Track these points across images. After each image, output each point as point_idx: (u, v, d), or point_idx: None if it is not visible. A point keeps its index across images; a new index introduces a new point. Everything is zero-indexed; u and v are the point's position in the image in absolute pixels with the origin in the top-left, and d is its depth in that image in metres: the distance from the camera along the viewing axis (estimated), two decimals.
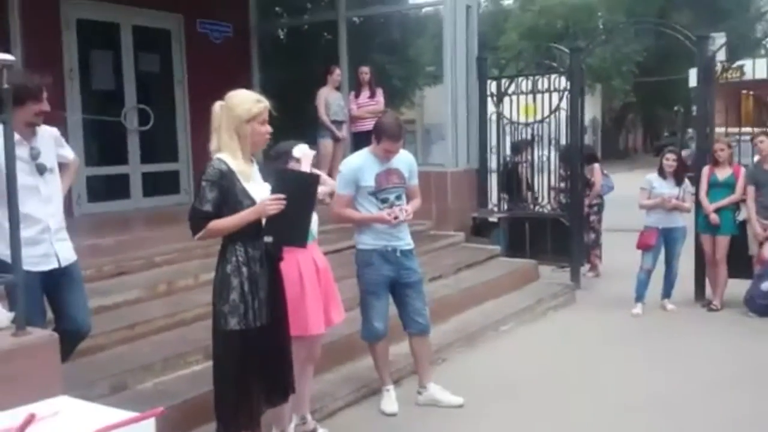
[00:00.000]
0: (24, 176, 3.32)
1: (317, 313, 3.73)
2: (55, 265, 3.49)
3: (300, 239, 3.31)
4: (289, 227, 3.16)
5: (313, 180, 3.33)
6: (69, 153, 3.82)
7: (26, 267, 3.23)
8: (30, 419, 1.73)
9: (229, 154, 3.13)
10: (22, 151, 3.34)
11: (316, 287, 3.74)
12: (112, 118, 7.93)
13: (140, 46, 8.23)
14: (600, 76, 28.26)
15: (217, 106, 3.18)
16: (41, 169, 3.45)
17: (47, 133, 3.58)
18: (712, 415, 4.29)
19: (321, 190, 3.73)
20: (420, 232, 7.61)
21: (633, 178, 15.81)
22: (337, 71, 8.02)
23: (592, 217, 8.24)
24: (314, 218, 3.75)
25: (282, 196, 3.07)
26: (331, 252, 5.94)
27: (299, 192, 3.15)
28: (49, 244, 3.47)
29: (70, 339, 3.57)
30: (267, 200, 3.08)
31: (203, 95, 8.84)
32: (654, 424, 4.23)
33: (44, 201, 3.46)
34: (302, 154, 3.66)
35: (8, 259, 3.00)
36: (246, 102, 3.16)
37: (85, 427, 1.84)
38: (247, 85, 9.15)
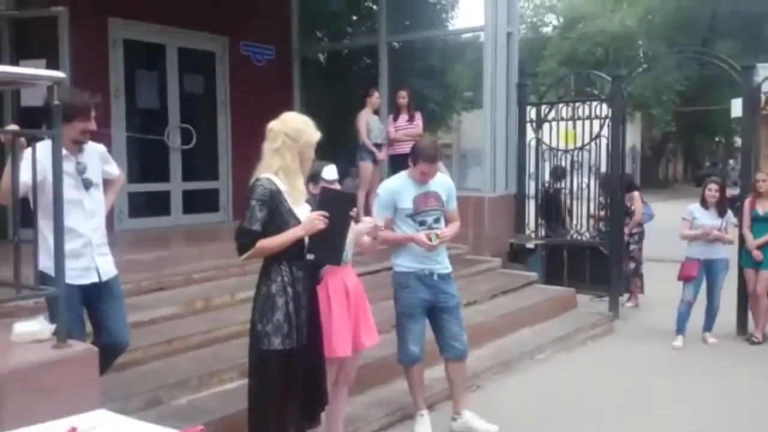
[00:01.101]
0: (69, 190, 3.38)
1: (344, 336, 3.69)
2: (95, 279, 3.55)
3: (337, 259, 3.36)
4: (329, 246, 3.20)
5: (350, 199, 3.39)
6: (115, 169, 3.89)
7: (67, 280, 3.30)
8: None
9: (287, 176, 3.16)
10: (68, 166, 3.42)
11: (344, 309, 3.71)
12: (155, 136, 8.08)
13: (185, 67, 8.40)
14: (640, 105, 27.95)
15: (277, 127, 3.20)
16: (87, 184, 3.52)
17: (94, 149, 3.67)
18: None
19: (360, 228, 3.74)
20: (456, 256, 7.55)
21: (673, 207, 15.56)
22: (376, 94, 8.07)
23: (632, 246, 8.10)
24: (349, 240, 3.75)
25: (326, 213, 3.10)
26: (366, 273, 5.96)
27: (339, 211, 3.20)
28: (91, 258, 3.53)
29: (109, 353, 3.61)
30: (314, 216, 3.10)
31: (245, 116, 9.06)
32: None
33: (88, 215, 3.53)
34: (333, 177, 3.68)
35: (50, 272, 3.07)
36: (309, 128, 3.23)
37: None
38: (288, 107, 9.34)
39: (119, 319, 3.72)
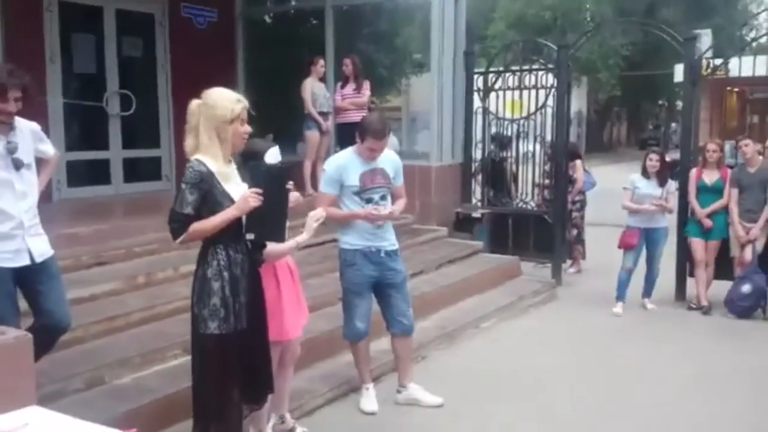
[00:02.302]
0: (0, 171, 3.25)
1: (295, 317, 3.68)
2: (27, 262, 3.43)
3: (279, 235, 3.26)
4: (268, 223, 3.13)
5: (285, 172, 3.29)
6: (49, 148, 3.74)
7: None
8: None
9: (207, 155, 3.06)
10: None
11: (292, 291, 3.68)
12: (93, 102, 7.80)
13: (123, 31, 8.09)
14: (587, 69, 28.29)
15: (194, 104, 3.09)
16: (17, 165, 3.38)
17: (27, 127, 3.51)
18: (680, 417, 4.32)
19: (309, 223, 3.63)
20: (402, 225, 7.57)
21: (617, 170, 15.93)
22: (321, 62, 7.92)
23: (575, 214, 8.28)
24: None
25: (259, 190, 3.03)
26: (313, 245, 5.92)
27: (274, 186, 3.12)
28: (22, 240, 3.41)
29: (50, 334, 3.53)
30: (246, 194, 3.03)
31: (186, 81, 8.76)
32: (627, 424, 4.25)
33: (18, 197, 3.39)
34: (275, 161, 3.57)
35: None
36: (227, 101, 3.07)
37: None
38: (232, 71, 9.12)
39: (58, 299, 3.62)
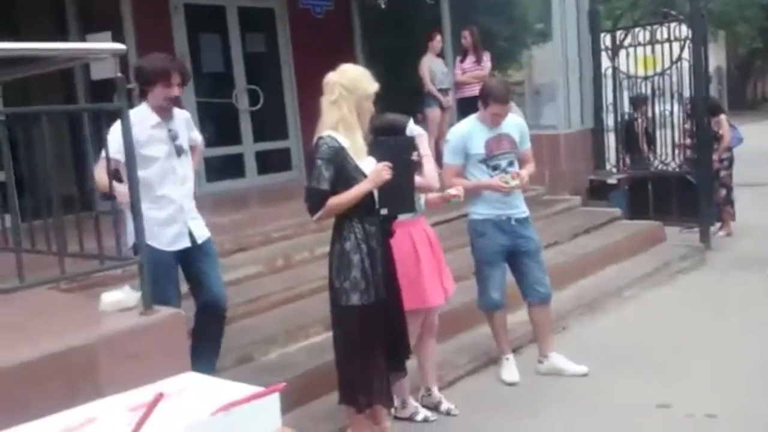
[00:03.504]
0: (163, 157, 3.46)
1: (435, 285, 3.68)
2: (188, 244, 3.62)
3: (411, 206, 3.32)
4: (399, 195, 3.17)
5: (409, 143, 3.32)
6: (198, 135, 3.95)
7: (162, 247, 3.41)
8: (158, 398, 1.77)
9: (346, 130, 3.12)
10: (161, 133, 3.50)
11: (431, 259, 3.69)
12: (224, 99, 8.14)
13: (246, 27, 8.37)
14: (723, 22, 26.32)
15: (333, 79, 3.15)
16: (179, 151, 3.57)
17: (181, 115, 3.71)
18: None
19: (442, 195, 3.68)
20: (533, 198, 7.35)
21: (763, 130, 14.74)
22: (438, 37, 7.84)
23: (722, 173, 7.72)
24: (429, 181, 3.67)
25: (389, 163, 3.04)
26: (441, 222, 5.89)
27: (400, 158, 3.15)
28: (183, 224, 3.61)
29: (214, 313, 3.70)
30: (379, 167, 3.07)
31: (309, 71, 8.92)
32: None
33: (180, 182, 3.59)
34: (418, 134, 3.57)
35: (146, 238, 3.15)
36: (366, 79, 3.17)
37: (211, 402, 1.86)
38: (351, 57, 9.23)
39: (218, 279, 3.80)
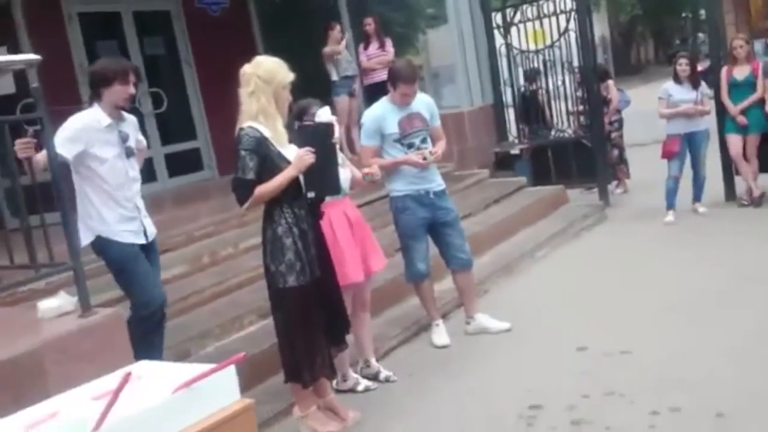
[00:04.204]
0: (116, 159, 3.53)
1: (354, 262, 3.81)
2: (145, 240, 3.71)
3: (335, 188, 3.48)
4: (324, 178, 3.32)
5: (329, 127, 3.47)
6: (143, 139, 4.00)
7: (130, 240, 3.57)
8: (127, 378, 1.87)
9: (267, 119, 3.23)
10: (112, 135, 3.55)
11: (350, 238, 3.82)
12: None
13: (144, 31, 8.26)
14: None
15: (249, 71, 3.26)
16: (129, 153, 3.63)
17: (130, 119, 3.76)
18: (746, 309, 4.37)
19: (344, 176, 3.79)
20: (444, 174, 7.59)
21: (648, 92, 15.63)
22: (338, 27, 7.98)
23: (614, 134, 8.25)
24: (345, 175, 3.86)
25: (311, 148, 3.19)
26: (362, 205, 6.08)
27: (322, 142, 3.30)
28: (140, 222, 3.69)
29: (155, 310, 3.73)
30: (301, 152, 3.20)
31: (211, 70, 8.91)
32: (689, 321, 4.32)
33: (132, 182, 3.65)
34: (327, 119, 3.73)
35: (106, 234, 3.45)
36: (282, 69, 3.29)
37: (170, 383, 1.97)
38: (252, 53, 9.20)
39: (159, 276, 3.94)
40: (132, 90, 3.60)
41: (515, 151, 8.19)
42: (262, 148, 3.20)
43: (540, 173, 8.06)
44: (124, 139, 3.59)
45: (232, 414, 2.11)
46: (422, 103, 4.45)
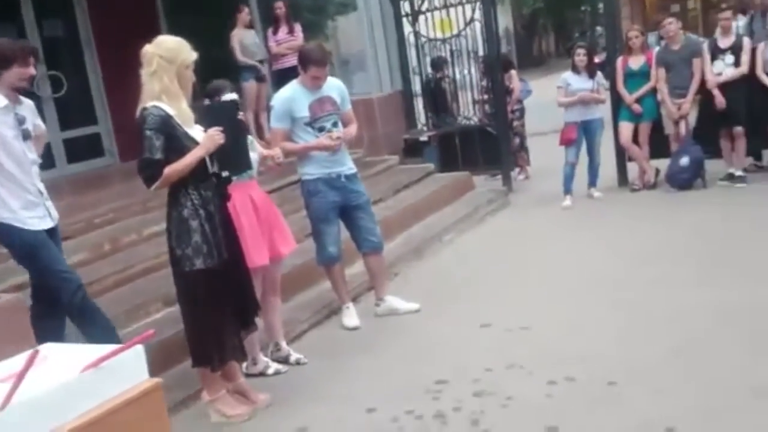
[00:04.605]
0: (13, 141, 3.42)
1: (259, 246, 3.80)
2: (51, 224, 3.61)
3: (247, 164, 3.53)
4: (235, 156, 3.33)
5: (234, 104, 3.50)
6: (41, 123, 3.89)
7: (36, 227, 3.49)
8: (34, 355, 1.83)
9: (171, 100, 3.17)
10: (8, 117, 3.44)
11: (254, 221, 3.80)
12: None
13: (42, 13, 7.88)
14: None
15: (150, 50, 3.19)
16: (26, 135, 3.52)
17: (27, 102, 3.65)
18: (636, 288, 4.64)
19: (254, 157, 3.83)
20: (354, 160, 7.67)
21: (549, 83, 16.16)
22: (246, 10, 7.88)
23: (515, 123, 8.54)
24: (253, 157, 3.85)
25: (220, 127, 3.19)
26: (271, 191, 6.07)
27: (229, 120, 3.31)
28: (44, 206, 3.59)
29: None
30: (211, 132, 3.18)
31: (113, 52, 8.58)
32: (585, 299, 4.57)
33: (31, 165, 3.55)
34: (230, 97, 3.72)
35: (11, 221, 3.38)
36: (184, 48, 3.23)
37: (78, 363, 1.95)
38: (156, 36, 8.97)
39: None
40: (32, 71, 3.53)
41: (424, 138, 8.34)
42: (167, 127, 3.14)
43: (447, 160, 8.24)
44: (20, 121, 3.50)
45: (140, 393, 2.11)
46: (333, 86, 4.47)
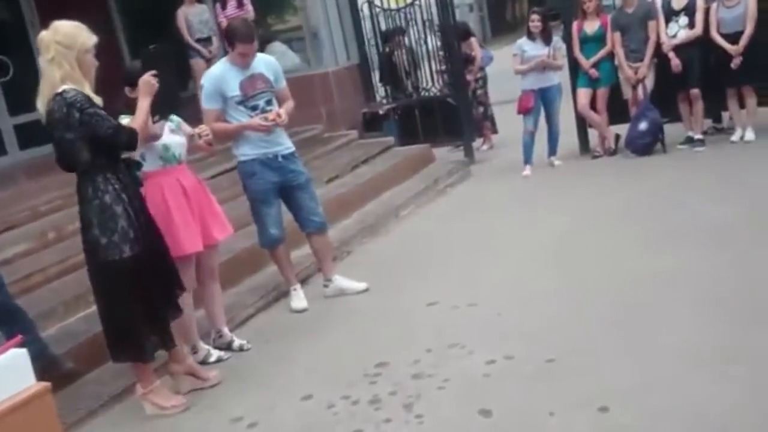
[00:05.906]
0: None
1: (191, 232, 3.68)
2: None
3: (175, 106, 3.62)
4: (167, 99, 3.35)
5: (167, 49, 3.60)
6: None
7: None
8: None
9: (74, 85, 3.05)
10: None
11: (184, 207, 3.67)
12: None
13: None
14: None
15: (47, 37, 3.06)
16: None
17: None
18: (591, 258, 4.59)
19: (179, 140, 3.75)
20: (313, 137, 7.60)
21: None
22: None
23: (479, 91, 8.40)
24: (182, 141, 3.72)
25: (154, 72, 3.20)
26: (219, 174, 5.97)
27: (162, 64, 3.34)
28: None
29: None
30: (146, 78, 3.18)
31: None
32: (537, 272, 4.50)
33: None
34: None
35: None
36: (83, 33, 3.12)
37: None
38: (105, 16, 8.73)
39: None
40: None
41: (382, 111, 8.20)
42: (95, 106, 3.04)
43: (408, 133, 8.12)
44: None
45: (25, 399, 2.02)
46: (264, 63, 4.31)
